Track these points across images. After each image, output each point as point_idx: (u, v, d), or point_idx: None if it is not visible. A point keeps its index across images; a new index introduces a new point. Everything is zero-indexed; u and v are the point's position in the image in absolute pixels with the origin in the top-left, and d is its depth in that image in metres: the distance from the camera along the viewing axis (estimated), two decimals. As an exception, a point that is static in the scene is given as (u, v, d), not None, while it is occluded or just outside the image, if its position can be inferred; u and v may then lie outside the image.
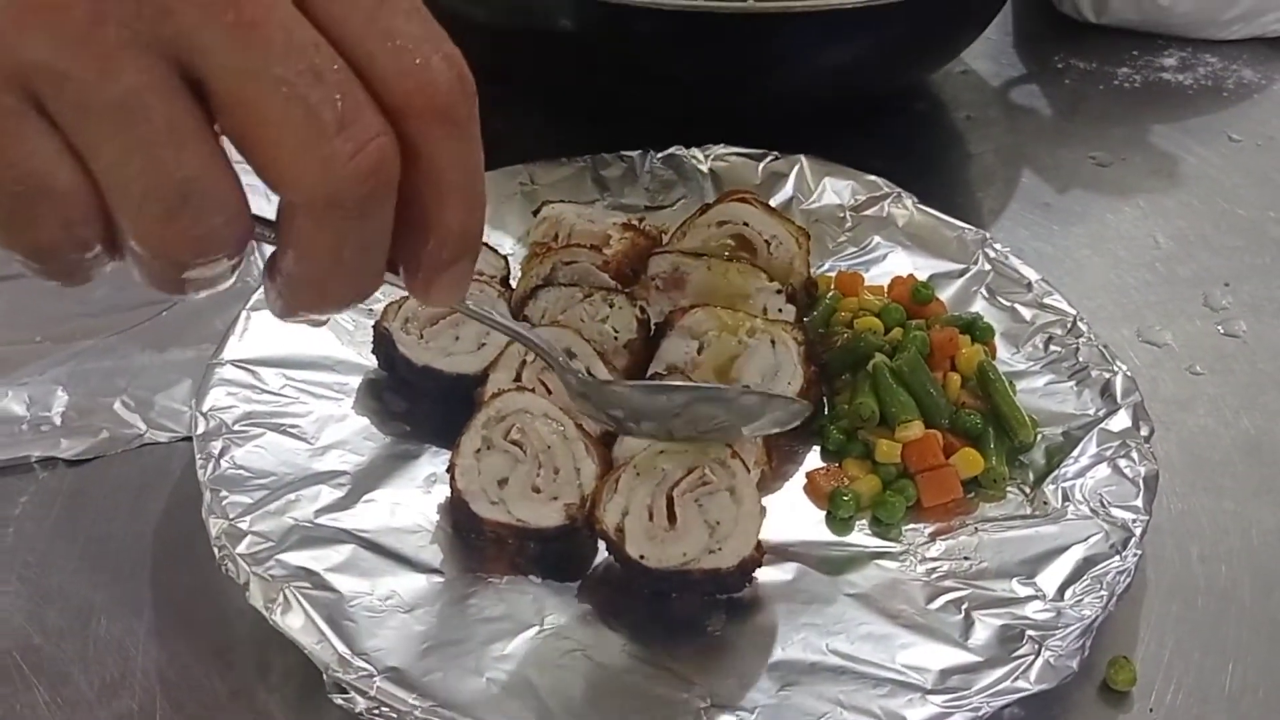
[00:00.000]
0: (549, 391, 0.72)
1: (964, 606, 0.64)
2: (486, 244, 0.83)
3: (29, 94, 0.36)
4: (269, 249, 0.43)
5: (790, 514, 0.70)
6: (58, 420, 0.75)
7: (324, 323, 0.42)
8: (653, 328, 0.77)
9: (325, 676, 0.60)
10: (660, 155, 0.92)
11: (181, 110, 0.37)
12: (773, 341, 0.75)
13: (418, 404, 0.75)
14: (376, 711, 0.58)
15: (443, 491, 0.69)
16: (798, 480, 0.73)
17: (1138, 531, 0.67)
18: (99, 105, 0.36)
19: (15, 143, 0.36)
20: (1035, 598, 0.64)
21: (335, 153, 0.37)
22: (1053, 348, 0.78)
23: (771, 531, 0.67)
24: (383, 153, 0.38)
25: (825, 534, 0.70)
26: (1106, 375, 0.75)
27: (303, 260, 0.40)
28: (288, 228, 0.39)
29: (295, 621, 0.60)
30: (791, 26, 0.87)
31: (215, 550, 0.64)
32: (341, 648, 0.59)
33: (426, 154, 0.40)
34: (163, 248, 0.39)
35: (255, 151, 0.38)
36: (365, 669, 0.58)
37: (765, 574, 0.66)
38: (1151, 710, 0.64)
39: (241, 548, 0.63)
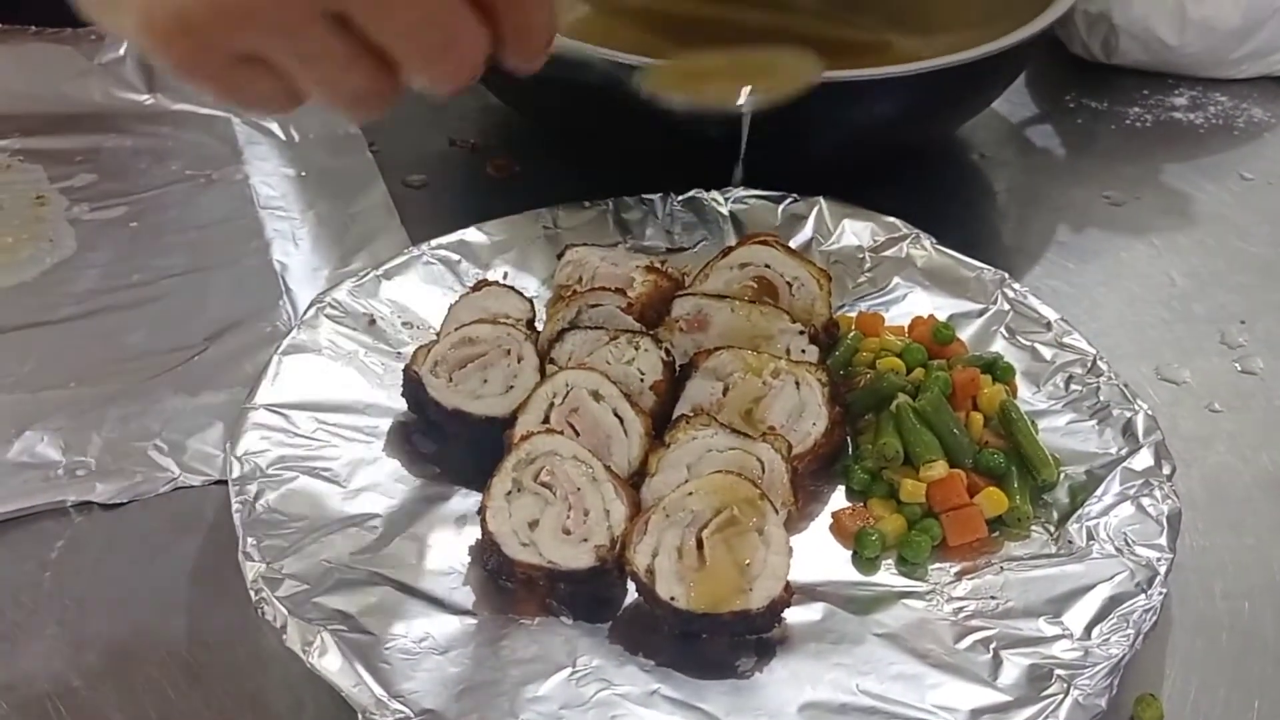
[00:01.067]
0: (577, 434, 0.73)
1: (992, 646, 0.65)
2: (512, 288, 0.85)
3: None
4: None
5: (817, 554, 0.71)
6: (93, 465, 0.76)
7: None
8: (677, 369, 0.78)
9: (360, 718, 0.60)
10: (681, 198, 0.93)
11: (347, 49, 0.55)
12: (797, 383, 0.76)
13: (447, 446, 0.76)
14: (413, 754, 0.59)
15: (474, 533, 0.70)
16: (823, 520, 0.74)
17: (1162, 570, 0.67)
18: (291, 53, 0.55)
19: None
20: (1063, 637, 0.65)
21: (443, 70, 0.58)
22: (1073, 387, 0.79)
23: (799, 572, 0.67)
24: (475, 60, 0.57)
25: (852, 573, 0.71)
26: (1128, 414, 0.76)
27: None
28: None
29: (333, 664, 0.61)
30: (811, 98, 0.89)
31: (252, 593, 0.65)
32: (378, 690, 0.60)
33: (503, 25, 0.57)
34: (345, 115, 0.60)
35: (398, 65, 0.56)
36: (402, 711, 0.59)
37: (793, 614, 0.67)
38: (1179, 748, 0.64)
39: (279, 591, 0.64)
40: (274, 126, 1.06)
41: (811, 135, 0.93)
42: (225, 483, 0.72)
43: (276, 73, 0.56)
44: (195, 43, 0.53)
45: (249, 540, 0.67)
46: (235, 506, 0.69)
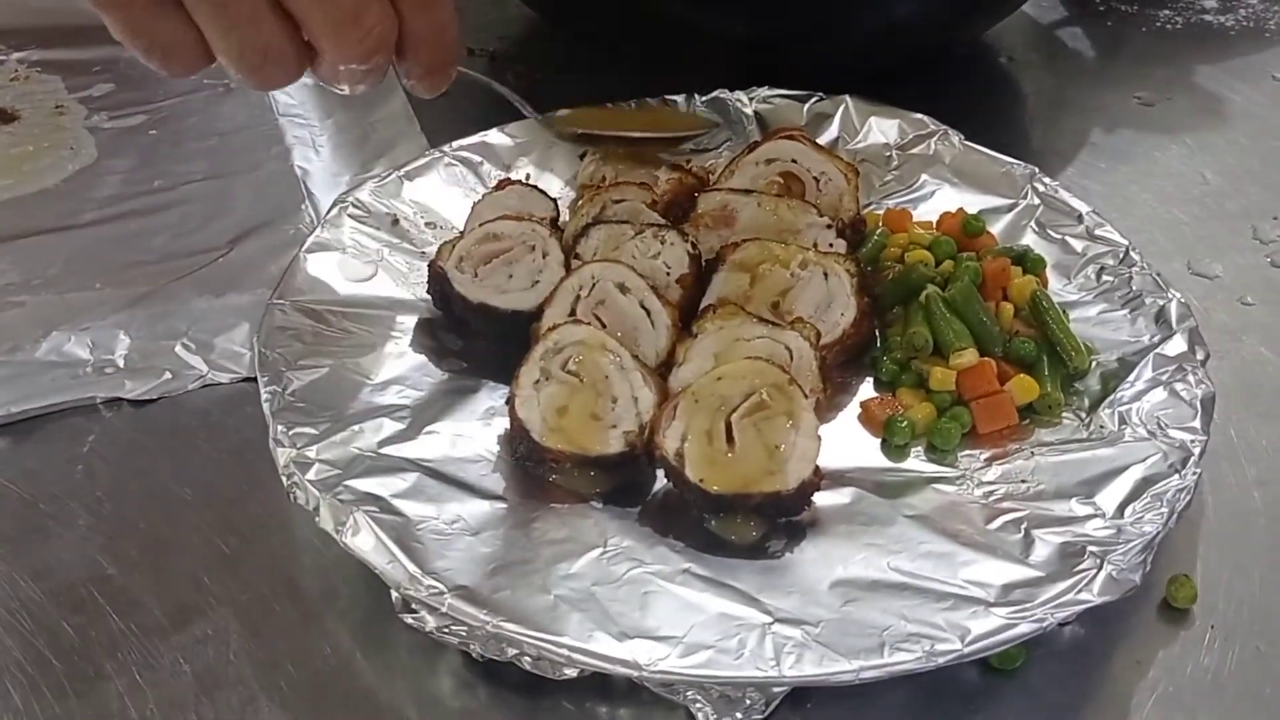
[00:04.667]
0: (603, 326, 0.73)
1: (1024, 526, 0.65)
2: (535, 187, 0.84)
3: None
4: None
5: (846, 442, 0.71)
6: (121, 363, 0.77)
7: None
8: (704, 263, 0.78)
9: (394, 596, 0.61)
10: (704, 99, 0.92)
11: (258, 3, 0.58)
12: (825, 274, 0.75)
13: (473, 341, 0.76)
14: (447, 629, 0.59)
15: (502, 424, 0.70)
16: (852, 410, 0.73)
17: (1196, 451, 0.67)
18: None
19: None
20: (1095, 516, 0.64)
21: (349, 37, 0.60)
22: (1105, 277, 0.78)
23: (827, 459, 0.67)
24: (383, 33, 0.60)
25: (881, 460, 0.70)
26: (1160, 302, 0.75)
27: (329, 76, 0.63)
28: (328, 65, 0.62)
29: (365, 543, 0.61)
30: None
31: (284, 478, 0.65)
32: (412, 567, 0.60)
33: (409, 20, 0.61)
34: (248, 81, 0.61)
35: (305, 26, 0.59)
36: (436, 587, 0.59)
37: (823, 498, 0.67)
38: (1213, 627, 0.64)
39: (310, 475, 0.64)
40: (292, 36, 1.05)
41: (838, 36, 0.92)
42: (253, 380, 0.73)
43: (186, 19, 0.57)
44: None
45: (279, 427, 0.67)
46: (264, 396, 0.69)
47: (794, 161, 0.83)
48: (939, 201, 0.86)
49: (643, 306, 0.74)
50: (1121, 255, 0.79)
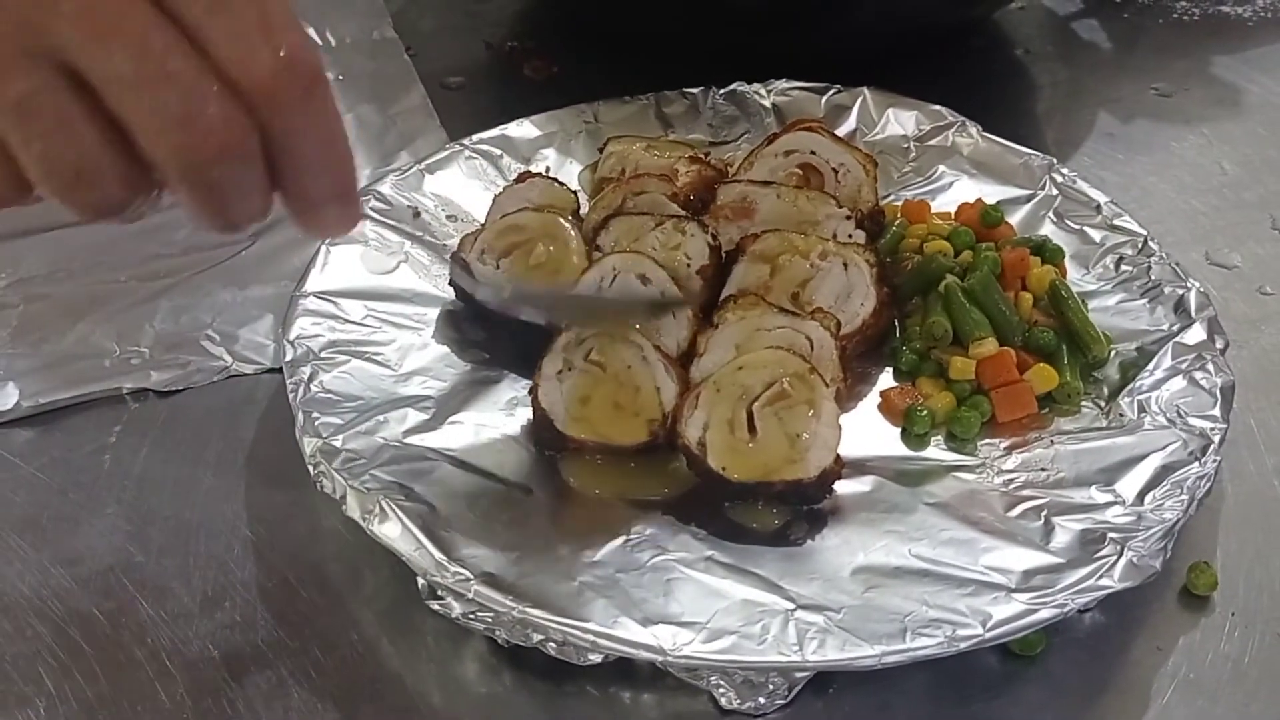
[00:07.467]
0: (625, 316, 0.73)
1: (1044, 513, 0.65)
2: (556, 179, 0.84)
3: None
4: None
5: (865, 431, 0.71)
6: (147, 353, 0.77)
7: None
8: (724, 254, 0.78)
9: (420, 583, 0.62)
10: (722, 91, 0.93)
11: (67, 103, 0.44)
12: (845, 264, 0.76)
13: (495, 333, 0.77)
14: (473, 615, 0.60)
15: (525, 414, 0.71)
16: (872, 400, 0.74)
17: (1216, 439, 0.67)
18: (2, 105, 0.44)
19: None
20: (1115, 503, 0.65)
21: (183, 141, 0.44)
22: (1124, 267, 0.79)
23: (848, 448, 0.67)
24: (227, 136, 0.44)
25: (901, 449, 0.71)
26: (1180, 292, 0.76)
27: (187, 203, 0.47)
28: (169, 183, 0.47)
29: (392, 531, 0.62)
30: None
31: (310, 467, 0.66)
32: (438, 554, 0.61)
33: (269, 126, 0.45)
34: (73, 208, 0.47)
35: (130, 129, 0.45)
36: (462, 573, 0.60)
37: (843, 486, 0.67)
38: (1234, 614, 0.64)
39: (336, 463, 0.65)
40: (310, 31, 1.06)
41: (847, 12, 0.92)
42: (277, 371, 0.74)
43: None
44: None
45: (305, 418, 0.67)
46: (290, 387, 0.70)
47: (812, 153, 0.83)
48: (957, 192, 0.86)
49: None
50: (1140, 245, 0.79)
